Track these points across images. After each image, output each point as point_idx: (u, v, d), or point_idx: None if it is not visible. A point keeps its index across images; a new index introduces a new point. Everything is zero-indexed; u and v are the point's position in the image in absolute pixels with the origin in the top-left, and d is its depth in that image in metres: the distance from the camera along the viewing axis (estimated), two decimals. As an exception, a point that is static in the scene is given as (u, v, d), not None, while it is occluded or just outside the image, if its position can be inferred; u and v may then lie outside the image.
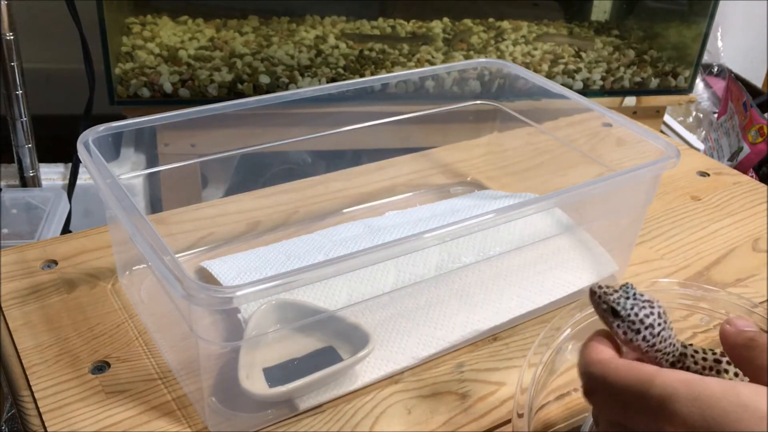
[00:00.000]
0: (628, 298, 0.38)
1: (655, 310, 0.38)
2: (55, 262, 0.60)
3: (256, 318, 0.49)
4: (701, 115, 1.99)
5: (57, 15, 1.43)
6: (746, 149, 1.74)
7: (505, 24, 1.66)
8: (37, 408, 0.47)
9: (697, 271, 0.64)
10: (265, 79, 1.43)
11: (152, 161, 1.38)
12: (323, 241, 0.62)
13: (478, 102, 0.74)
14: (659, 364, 0.38)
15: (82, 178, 1.40)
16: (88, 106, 1.40)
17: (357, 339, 0.50)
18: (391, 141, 0.76)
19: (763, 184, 0.77)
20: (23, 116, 1.30)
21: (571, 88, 1.35)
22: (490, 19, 1.66)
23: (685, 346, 0.39)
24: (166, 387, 0.49)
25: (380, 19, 1.61)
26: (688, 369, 0.39)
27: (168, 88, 1.41)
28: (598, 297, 0.39)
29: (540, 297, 0.58)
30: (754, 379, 0.35)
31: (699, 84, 2.02)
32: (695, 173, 0.79)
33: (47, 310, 0.55)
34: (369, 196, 0.72)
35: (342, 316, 0.51)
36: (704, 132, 1.97)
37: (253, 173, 1.40)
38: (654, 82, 1.60)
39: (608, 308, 0.38)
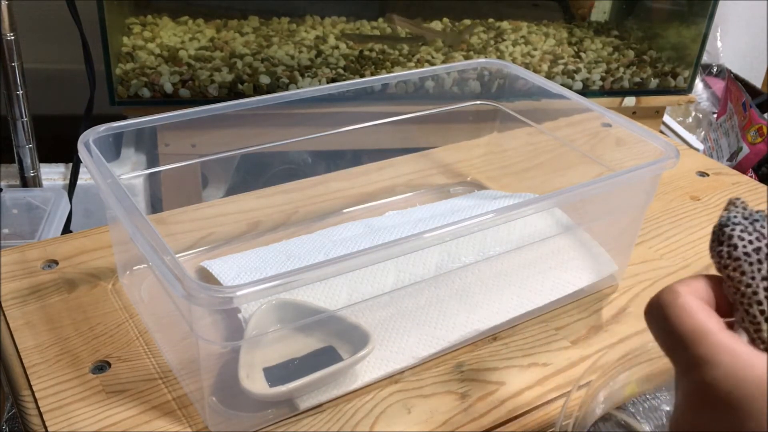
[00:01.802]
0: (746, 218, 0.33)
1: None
2: (56, 262, 0.60)
3: (257, 318, 0.49)
4: (700, 116, 1.99)
5: (57, 15, 1.44)
6: (745, 149, 1.74)
7: (505, 24, 1.67)
8: (38, 407, 0.47)
9: (696, 271, 0.64)
10: (265, 80, 1.43)
11: (153, 161, 1.38)
12: (323, 241, 0.62)
13: (478, 102, 0.74)
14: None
15: (83, 178, 1.41)
16: (89, 106, 1.40)
17: (357, 339, 0.50)
18: (391, 141, 0.76)
19: (762, 184, 0.77)
20: (24, 116, 1.31)
21: (570, 88, 1.35)
22: (490, 20, 1.67)
23: None
24: (166, 387, 0.49)
25: (380, 20, 1.62)
26: None
27: (168, 88, 1.41)
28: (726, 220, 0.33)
29: (540, 297, 0.58)
30: None
31: (698, 84, 2.02)
32: (695, 173, 0.79)
33: (48, 309, 0.55)
34: (369, 196, 0.72)
35: (342, 316, 0.51)
36: (703, 132, 1.97)
37: (253, 173, 1.40)
38: (653, 83, 1.60)
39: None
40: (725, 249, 0.33)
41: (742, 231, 0.33)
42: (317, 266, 0.42)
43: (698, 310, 0.32)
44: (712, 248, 0.34)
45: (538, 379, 0.52)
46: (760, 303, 0.32)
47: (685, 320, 0.32)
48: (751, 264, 0.32)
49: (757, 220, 0.33)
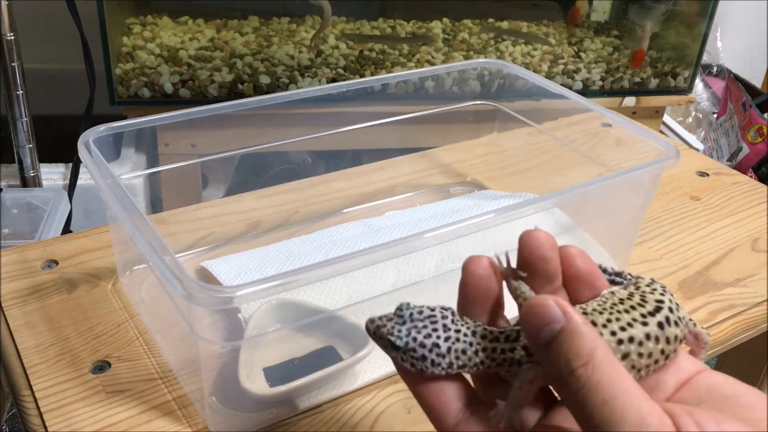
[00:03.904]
0: (403, 323, 0.31)
1: (439, 324, 0.30)
2: (56, 262, 0.60)
3: (257, 318, 0.49)
4: (700, 116, 1.99)
5: (57, 15, 1.44)
6: (745, 149, 1.75)
7: (505, 24, 1.67)
8: (38, 407, 0.47)
9: (696, 271, 0.64)
10: (265, 80, 1.43)
11: (153, 161, 1.38)
12: (323, 241, 0.62)
13: (478, 102, 0.74)
14: (486, 374, 0.32)
15: (83, 178, 1.41)
16: (89, 106, 1.40)
17: (357, 339, 0.50)
18: (391, 141, 0.76)
19: (762, 184, 0.77)
20: (24, 116, 1.31)
21: (570, 88, 1.35)
22: (490, 20, 1.67)
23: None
24: (166, 387, 0.49)
25: (380, 20, 1.62)
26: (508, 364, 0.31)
27: (168, 88, 1.41)
28: (374, 333, 0.31)
29: (540, 297, 0.58)
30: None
31: (698, 84, 2.02)
32: (694, 173, 0.79)
33: (48, 309, 0.55)
34: (369, 196, 0.72)
35: (342, 316, 0.51)
36: (703, 132, 1.97)
37: (253, 173, 1.40)
38: (653, 83, 1.60)
39: (386, 342, 0.31)
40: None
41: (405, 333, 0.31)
42: (317, 266, 0.42)
43: None
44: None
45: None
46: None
47: None
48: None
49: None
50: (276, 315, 0.50)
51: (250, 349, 0.48)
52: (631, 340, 0.29)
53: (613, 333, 0.29)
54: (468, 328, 0.31)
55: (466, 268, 0.32)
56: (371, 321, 0.31)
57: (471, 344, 0.30)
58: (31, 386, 0.49)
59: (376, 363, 0.51)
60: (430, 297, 0.55)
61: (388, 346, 0.30)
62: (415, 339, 0.30)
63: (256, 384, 0.47)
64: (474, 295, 0.32)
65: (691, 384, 0.30)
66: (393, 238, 0.51)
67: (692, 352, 0.32)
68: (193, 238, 0.64)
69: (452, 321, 0.30)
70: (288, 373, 0.48)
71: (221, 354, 0.48)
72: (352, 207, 0.70)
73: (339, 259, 0.42)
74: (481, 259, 0.32)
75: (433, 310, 0.31)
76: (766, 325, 0.60)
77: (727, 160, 1.81)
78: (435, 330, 0.30)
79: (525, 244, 0.33)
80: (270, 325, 0.50)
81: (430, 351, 0.30)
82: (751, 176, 1.44)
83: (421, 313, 0.31)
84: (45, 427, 0.46)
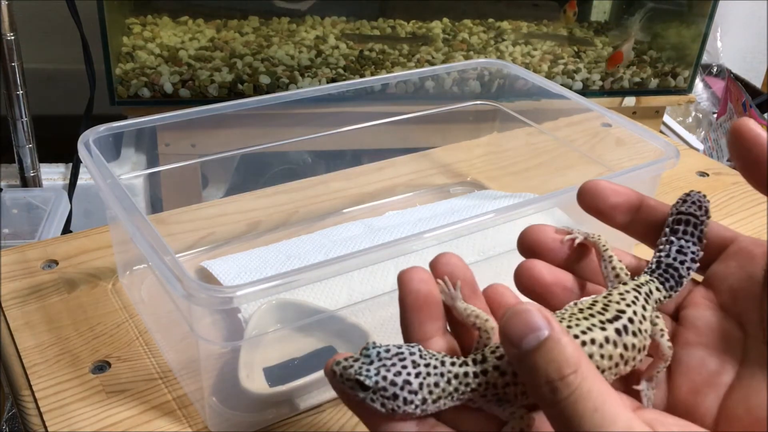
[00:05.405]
0: (371, 362, 0.29)
1: (408, 360, 0.29)
2: (56, 262, 0.60)
3: (257, 318, 0.49)
4: (700, 116, 1.99)
5: (57, 15, 1.44)
6: (746, 149, 1.74)
7: (505, 24, 1.67)
8: (38, 407, 0.47)
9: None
10: (265, 80, 1.43)
11: (153, 161, 1.38)
12: (323, 241, 0.62)
13: (478, 102, 0.74)
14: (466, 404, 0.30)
15: (83, 178, 1.41)
16: (89, 106, 1.40)
17: (357, 339, 0.50)
18: (391, 141, 0.76)
19: (762, 185, 0.77)
20: (24, 116, 1.31)
21: (570, 88, 1.35)
22: (490, 20, 1.67)
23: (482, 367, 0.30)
24: (166, 387, 0.49)
25: (380, 20, 1.62)
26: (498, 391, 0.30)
27: (168, 88, 1.41)
28: (339, 375, 0.29)
29: (540, 297, 0.58)
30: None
31: (698, 84, 2.02)
32: (695, 173, 0.79)
33: (48, 309, 0.55)
34: (369, 196, 0.72)
35: (342, 316, 0.51)
36: (703, 132, 1.97)
37: (253, 173, 1.40)
38: (653, 83, 1.60)
39: (353, 383, 0.29)
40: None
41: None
42: (317, 266, 0.42)
43: None
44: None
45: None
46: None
47: None
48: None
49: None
50: (276, 315, 0.50)
51: (250, 349, 0.48)
52: (593, 341, 0.29)
53: (576, 336, 0.29)
54: (437, 359, 0.30)
55: (401, 279, 0.32)
56: (336, 363, 0.30)
57: (442, 374, 0.29)
58: (31, 386, 0.49)
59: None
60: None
61: (356, 387, 0.29)
62: (384, 377, 0.29)
63: (256, 384, 0.47)
64: (415, 301, 0.32)
65: None
66: (393, 238, 0.51)
67: (651, 363, 0.32)
68: (193, 238, 0.64)
69: (420, 356, 0.29)
70: (288, 373, 0.48)
71: (221, 354, 0.48)
72: (352, 207, 0.70)
73: (339, 259, 0.42)
74: (417, 270, 0.32)
75: (400, 347, 0.30)
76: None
77: (727, 160, 1.81)
78: (404, 367, 0.29)
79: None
80: (270, 325, 0.50)
81: (402, 389, 0.29)
82: (751, 176, 1.44)
83: (388, 351, 0.30)
84: (45, 427, 0.46)
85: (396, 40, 1.57)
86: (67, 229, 1.30)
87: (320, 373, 0.48)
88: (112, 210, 0.47)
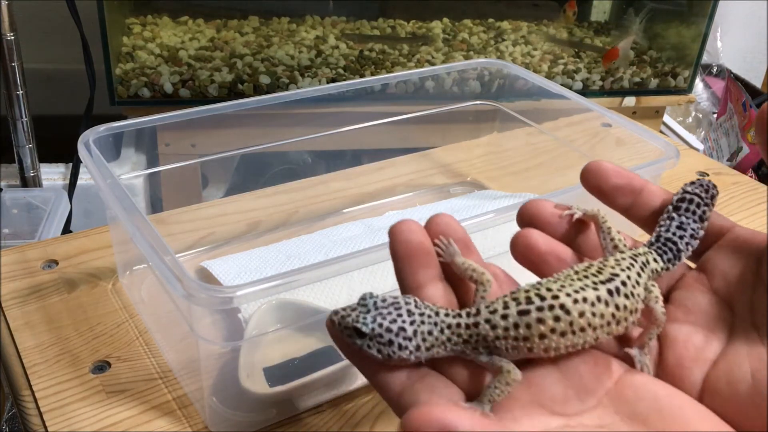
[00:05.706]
0: (368, 311, 0.30)
1: (404, 309, 0.30)
2: (56, 262, 0.60)
3: (257, 318, 0.49)
4: (700, 116, 1.99)
5: (57, 15, 1.44)
6: (745, 149, 1.75)
7: (505, 24, 1.67)
8: (38, 407, 0.47)
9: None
10: (265, 80, 1.43)
11: (153, 161, 1.38)
12: (323, 241, 0.62)
13: (478, 102, 0.74)
14: (463, 353, 0.31)
15: (83, 178, 1.41)
16: (89, 106, 1.40)
17: (357, 339, 0.50)
18: (391, 141, 0.76)
19: (762, 184, 0.77)
20: (24, 116, 1.31)
21: (570, 88, 1.35)
22: (490, 20, 1.67)
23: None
24: (166, 387, 0.49)
25: (380, 20, 1.62)
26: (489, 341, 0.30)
27: (168, 88, 1.41)
28: (338, 324, 0.31)
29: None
30: None
31: (698, 84, 2.02)
32: (695, 173, 0.79)
33: (48, 309, 0.55)
34: (369, 196, 0.72)
35: (342, 315, 0.51)
36: (703, 132, 1.97)
37: (253, 173, 1.40)
38: (653, 83, 1.60)
39: (351, 331, 0.30)
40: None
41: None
42: (317, 266, 0.42)
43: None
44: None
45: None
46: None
47: None
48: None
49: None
50: (276, 315, 0.50)
51: (250, 349, 0.48)
52: (584, 300, 0.30)
53: (568, 295, 0.30)
54: (431, 310, 0.31)
55: (392, 231, 0.32)
56: (335, 313, 0.31)
57: (436, 324, 0.31)
58: (31, 386, 0.49)
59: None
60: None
61: (354, 335, 0.30)
62: (381, 325, 0.30)
63: (256, 384, 0.47)
64: (406, 250, 0.32)
65: (619, 387, 0.31)
66: (393, 238, 0.51)
67: (642, 325, 0.32)
68: (193, 238, 0.64)
69: (416, 306, 0.31)
70: (288, 373, 0.48)
71: (221, 354, 0.48)
72: (352, 207, 0.70)
73: (339, 259, 0.42)
74: (407, 222, 0.33)
75: (396, 297, 0.31)
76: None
77: (727, 160, 1.81)
78: (400, 315, 0.30)
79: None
80: (270, 325, 0.50)
81: (397, 335, 0.30)
82: (751, 176, 1.44)
83: (384, 300, 0.31)
84: (45, 427, 0.46)
85: (396, 40, 1.57)
86: (67, 229, 1.30)
87: (320, 373, 0.48)
88: (112, 210, 0.47)
